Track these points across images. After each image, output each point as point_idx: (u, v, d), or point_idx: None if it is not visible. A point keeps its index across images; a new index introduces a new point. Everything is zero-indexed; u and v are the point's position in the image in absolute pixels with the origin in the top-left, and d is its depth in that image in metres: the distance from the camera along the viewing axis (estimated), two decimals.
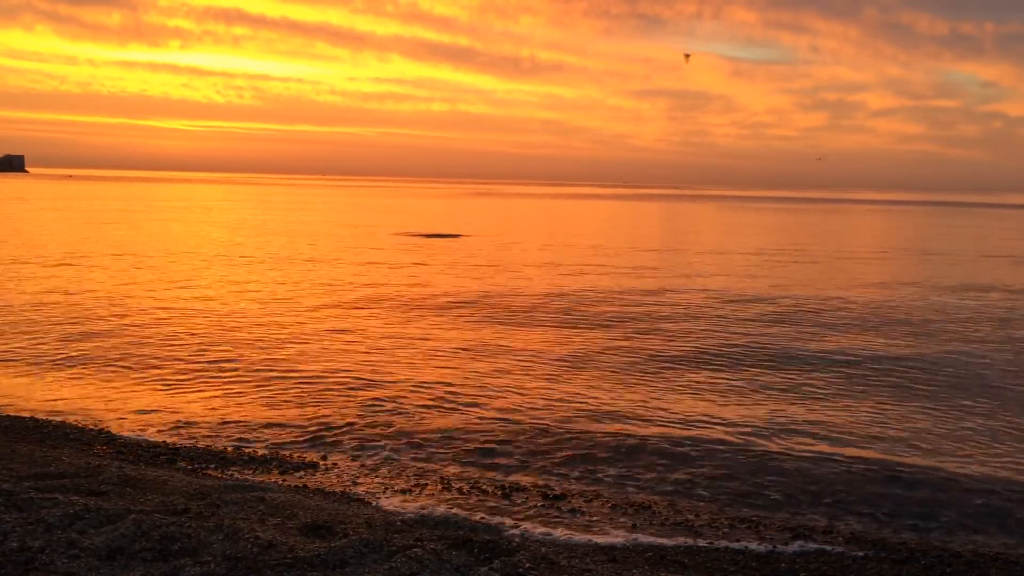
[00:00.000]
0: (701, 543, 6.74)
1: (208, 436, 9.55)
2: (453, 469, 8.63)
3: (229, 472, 8.12)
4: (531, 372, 12.82)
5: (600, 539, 6.71)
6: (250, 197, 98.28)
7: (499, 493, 7.86)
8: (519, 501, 7.64)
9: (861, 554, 6.62)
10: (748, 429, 10.08)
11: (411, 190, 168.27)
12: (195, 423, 10.00)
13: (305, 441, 9.43)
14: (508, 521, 7.05)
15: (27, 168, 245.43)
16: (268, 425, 9.97)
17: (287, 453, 8.96)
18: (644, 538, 6.79)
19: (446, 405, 10.88)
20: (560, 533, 6.80)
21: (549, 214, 71.93)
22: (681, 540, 6.77)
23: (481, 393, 11.50)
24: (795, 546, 6.75)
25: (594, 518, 7.25)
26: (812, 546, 6.80)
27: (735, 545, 6.72)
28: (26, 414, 10.08)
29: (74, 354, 13.41)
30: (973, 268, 31.08)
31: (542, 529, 6.89)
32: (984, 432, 10.19)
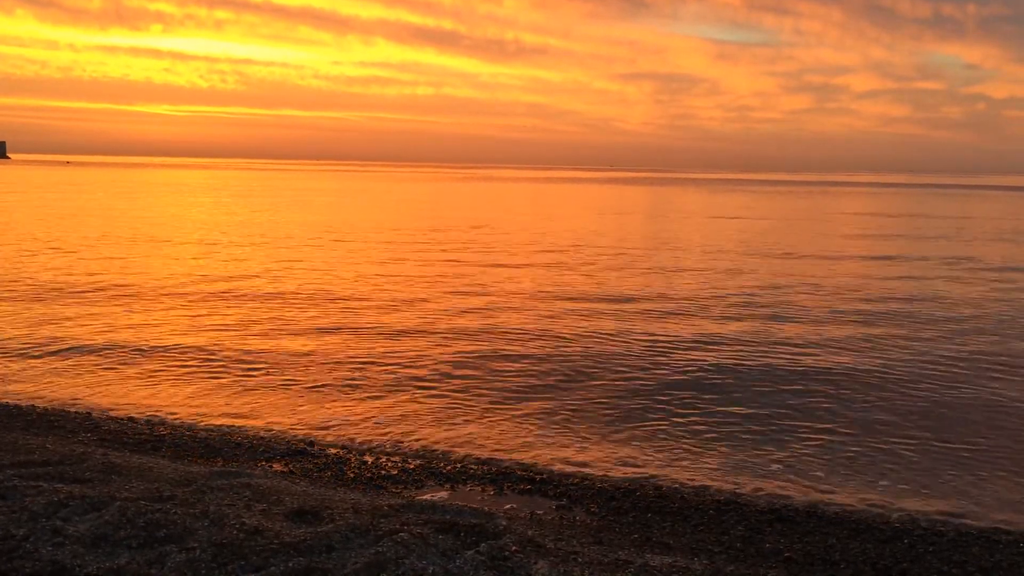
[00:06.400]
0: (686, 525, 6.78)
1: (193, 423, 9.53)
2: (440, 454, 8.65)
3: (215, 459, 8.11)
4: (521, 358, 12.83)
5: (586, 521, 6.74)
6: (277, 185, 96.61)
7: (486, 477, 7.88)
8: (506, 484, 7.66)
9: (844, 533, 6.68)
10: (747, 414, 10.13)
11: (401, 175, 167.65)
12: (180, 410, 9.97)
13: (292, 427, 9.42)
14: (495, 504, 7.07)
15: (9, 154, 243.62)
16: (254, 411, 9.95)
17: (273, 439, 8.95)
18: (630, 521, 6.82)
19: (434, 390, 10.89)
20: (547, 516, 6.83)
21: (559, 202, 71.78)
22: (667, 522, 6.81)
23: (470, 379, 11.51)
24: (777, 527, 6.80)
25: (581, 501, 7.28)
26: (794, 527, 6.84)
27: (719, 527, 6.76)
28: (9, 401, 10.03)
29: (59, 340, 13.32)
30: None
31: (529, 512, 6.91)
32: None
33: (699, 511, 7.11)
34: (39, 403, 10.05)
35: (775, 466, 8.44)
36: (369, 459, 8.39)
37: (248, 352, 12.83)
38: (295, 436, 9.10)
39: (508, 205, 59.55)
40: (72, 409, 9.87)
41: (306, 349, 13.11)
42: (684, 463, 8.47)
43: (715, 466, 8.38)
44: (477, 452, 8.71)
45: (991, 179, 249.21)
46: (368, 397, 10.54)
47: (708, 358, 12.84)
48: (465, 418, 9.77)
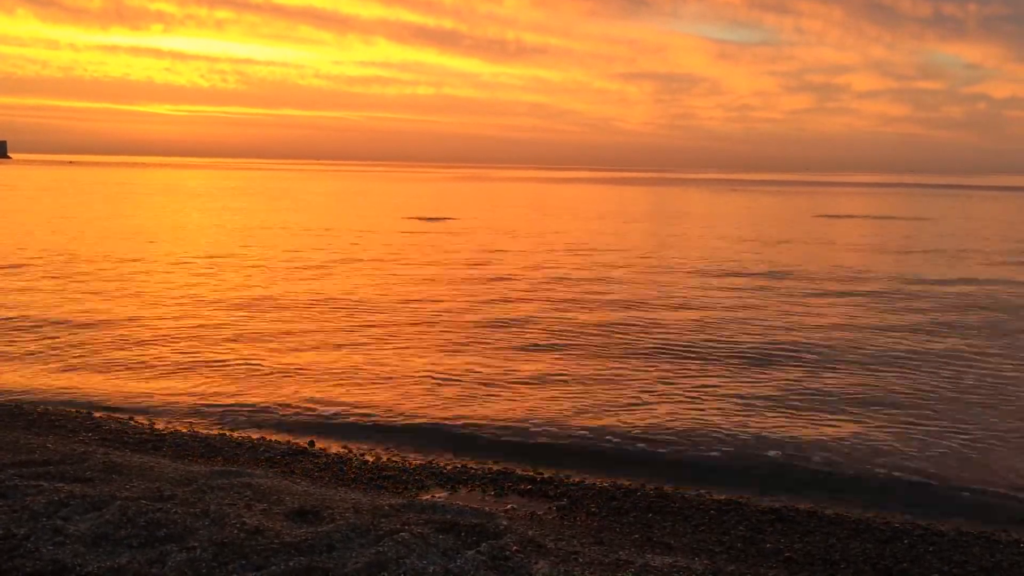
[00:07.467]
0: (687, 525, 6.77)
1: (194, 422, 9.53)
2: (441, 453, 8.65)
3: (215, 458, 8.10)
4: (521, 359, 12.82)
5: (587, 522, 6.74)
6: (317, 187, 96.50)
7: (487, 477, 7.87)
8: (507, 484, 7.65)
9: (845, 533, 6.67)
10: (741, 417, 10.12)
11: (406, 176, 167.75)
12: (181, 410, 9.97)
13: (292, 426, 9.43)
14: (495, 504, 7.07)
15: (10, 154, 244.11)
16: (255, 411, 9.95)
17: (274, 439, 8.95)
18: (631, 520, 6.82)
19: (435, 391, 10.88)
20: (547, 516, 6.82)
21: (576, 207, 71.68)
22: (668, 522, 6.80)
23: (470, 380, 11.51)
24: (778, 527, 6.80)
25: (582, 501, 7.27)
26: (794, 527, 6.84)
27: (720, 527, 6.76)
28: (10, 401, 10.03)
29: (61, 342, 13.33)
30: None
31: (529, 512, 6.90)
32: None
33: (700, 511, 7.10)
34: (40, 402, 10.05)
35: (774, 467, 8.46)
36: (370, 459, 8.39)
37: (250, 353, 12.83)
38: (296, 436, 9.10)
39: (537, 209, 59.50)
40: (73, 408, 9.87)
41: (308, 350, 13.12)
42: (685, 466, 8.46)
43: (717, 470, 8.37)
44: (478, 453, 8.70)
45: (992, 179, 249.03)
46: (369, 397, 10.53)
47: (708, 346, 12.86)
48: (466, 418, 9.76)
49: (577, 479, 7.93)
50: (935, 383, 11.60)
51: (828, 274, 23.16)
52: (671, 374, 11.86)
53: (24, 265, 22.26)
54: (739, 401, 10.56)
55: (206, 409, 10.00)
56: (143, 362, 12.10)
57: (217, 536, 5.23)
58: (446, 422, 9.61)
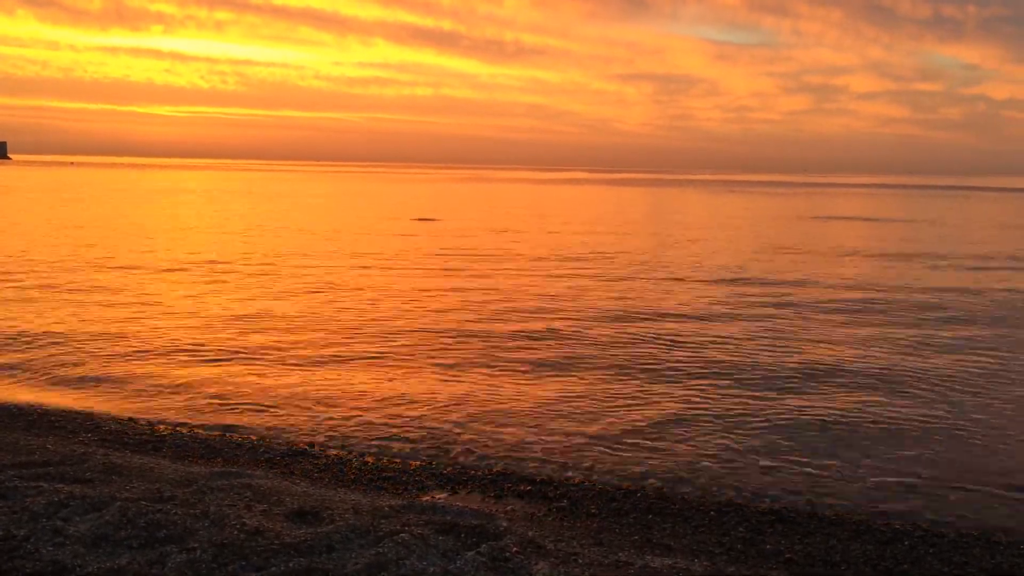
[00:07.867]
0: (687, 526, 6.77)
1: (194, 424, 9.52)
2: (441, 455, 8.64)
3: (215, 459, 8.11)
4: (522, 365, 12.83)
5: (587, 523, 6.74)
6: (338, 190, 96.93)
7: (487, 478, 7.87)
8: (507, 486, 7.65)
9: (845, 534, 6.68)
10: (742, 422, 10.13)
11: (409, 176, 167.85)
12: (181, 410, 9.96)
13: (292, 427, 9.42)
14: (495, 506, 7.07)
15: (10, 155, 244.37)
16: (255, 412, 9.94)
17: (274, 439, 8.94)
18: (631, 522, 6.82)
19: (436, 394, 10.88)
20: (547, 517, 6.82)
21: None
22: (667, 524, 6.80)
23: (472, 384, 11.52)
24: (778, 528, 6.80)
25: (581, 502, 7.27)
26: (795, 528, 6.84)
27: (720, 528, 6.76)
28: (10, 401, 10.02)
29: (61, 349, 13.33)
30: None
31: (529, 513, 6.90)
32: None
33: (700, 512, 7.10)
34: (40, 403, 10.04)
35: (771, 457, 8.46)
36: (370, 460, 8.39)
37: (250, 354, 12.83)
38: (296, 437, 9.09)
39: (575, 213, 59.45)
40: (73, 409, 9.86)
41: (308, 353, 13.11)
42: (684, 469, 8.46)
43: (716, 473, 8.37)
44: (478, 455, 8.69)
45: (990, 180, 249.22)
46: (369, 400, 10.53)
47: (714, 355, 12.87)
48: (466, 419, 9.77)
49: (577, 480, 7.94)
50: (934, 384, 11.61)
51: (827, 279, 23.14)
52: (673, 382, 11.87)
53: (24, 271, 22.24)
54: (739, 405, 10.57)
55: (206, 410, 9.99)
56: (144, 366, 12.09)
57: (217, 537, 5.23)
58: (446, 424, 9.61)
